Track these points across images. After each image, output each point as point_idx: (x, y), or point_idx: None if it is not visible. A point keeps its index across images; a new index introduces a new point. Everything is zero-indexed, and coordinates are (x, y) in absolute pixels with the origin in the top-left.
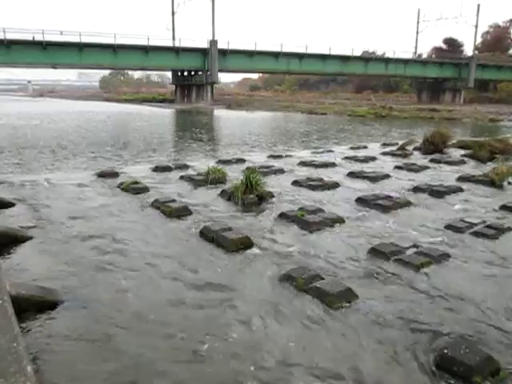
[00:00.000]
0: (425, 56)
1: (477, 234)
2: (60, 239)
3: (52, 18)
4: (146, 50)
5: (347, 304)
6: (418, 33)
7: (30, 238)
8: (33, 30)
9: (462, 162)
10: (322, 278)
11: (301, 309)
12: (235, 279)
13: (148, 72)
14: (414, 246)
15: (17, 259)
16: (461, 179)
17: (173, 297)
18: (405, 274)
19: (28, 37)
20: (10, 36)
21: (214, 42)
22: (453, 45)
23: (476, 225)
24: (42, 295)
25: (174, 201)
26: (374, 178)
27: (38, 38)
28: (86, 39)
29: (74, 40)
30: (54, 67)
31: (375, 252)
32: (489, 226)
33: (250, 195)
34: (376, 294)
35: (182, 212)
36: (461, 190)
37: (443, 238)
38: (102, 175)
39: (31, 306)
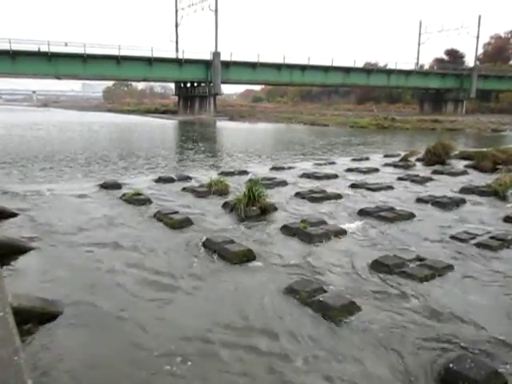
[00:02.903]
0: (427, 67)
1: (481, 246)
2: (62, 250)
3: (57, 29)
4: (149, 61)
5: (351, 317)
6: (419, 44)
7: (32, 248)
8: (38, 40)
9: (465, 173)
10: (325, 291)
11: (304, 324)
12: (238, 293)
13: (151, 83)
14: (418, 258)
15: (18, 270)
16: (464, 190)
17: (172, 309)
18: (408, 287)
19: (33, 48)
20: (16, 47)
21: (216, 54)
22: (454, 56)
23: (480, 236)
24: (43, 307)
25: (176, 212)
26: (377, 190)
27: (44, 48)
28: (90, 50)
29: (79, 51)
30: (59, 78)
31: (378, 264)
32: (493, 238)
33: (253, 207)
34: (379, 307)
35: (185, 224)
36: (464, 201)
37: (447, 250)
38: (105, 186)
39: (32, 318)
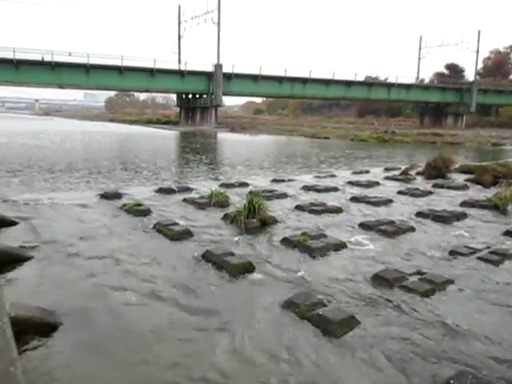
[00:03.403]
0: (427, 81)
1: (481, 260)
2: (61, 260)
3: (61, 39)
4: (151, 72)
5: (351, 332)
6: (419, 58)
7: (31, 257)
8: (42, 50)
9: (465, 187)
10: (325, 305)
11: (303, 338)
12: (236, 305)
13: (153, 94)
14: (418, 272)
15: (16, 279)
16: (464, 204)
17: (172, 321)
18: (408, 302)
19: (37, 57)
20: (20, 56)
21: (218, 66)
22: (454, 70)
23: (480, 250)
24: (41, 317)
25: (176, 224)
26: (377, 203)
27: (47, 58)
28: (93, 61)
29: (82, 61)
30: (62, 87)
31: (378, 278)
32: (493, 252)
33: (253, 219)
34: (379, 322)
35: (185, 235)
36: (464, 215)
37: (447, 264)
38: (105, 196)
39: (30, 328)
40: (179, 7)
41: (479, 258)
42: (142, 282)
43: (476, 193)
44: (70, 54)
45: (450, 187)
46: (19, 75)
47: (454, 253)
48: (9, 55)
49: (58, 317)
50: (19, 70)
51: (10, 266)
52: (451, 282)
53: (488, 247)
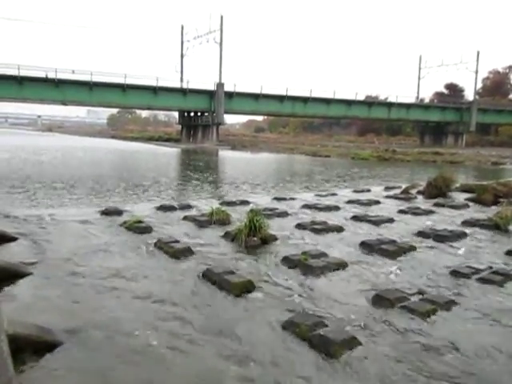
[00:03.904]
0: (427, 100)
1: (483, 281)
2: (61, 276)
3: (65, 56)
4: (154, 90)
5: (352, 353)
6: (419, 78)
7: (30, 273)
8: (45, 67)
9: (466, 206)
10: (326, 325)
11: (304, 359)
12: (236, 324)
13: (155, 111)
14: (420, 292)
15: (15, 295)
16: (465, 223)
17: (171, 340)
18: (410, 322)
19: (41, 74)
20: (24, 73)
21: (220, 85)
22: (454, 90)
23: (482, 270)
24: (40, 335)
25: (177, 241)
26: (378, 222)
27: (51, 75)
28: (96, 78)
29: (85, 78)
30: (64, 104)
31: (380, 298)
32: (495, 272)
33: (254, 238)
34: (381, 343)
35: (185, 253)
36: (465, 234)
37: (449, 284)
38: (106, 213)
39: (28, 347)
40: (182, 27)
41: (481, 279)
42: (141, 300)
43: (477, 212)
44: (73, 72)
45: (450, 206)
46: (23, 92)
47: (455, 273)
48: (13, 72)
49: (57, 335)
50: (23, 87)
51: (8, 281)
52: (453, 302)
53: (490, 267)
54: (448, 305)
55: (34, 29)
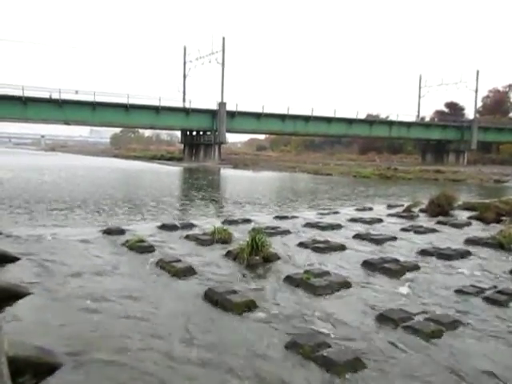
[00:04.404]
0: (427, 119)
1: (488, 300)
2: (61, 297)
3: (69, 76)
4: (157, 109)
5: (355, 375)
6: (420, 97)
7: (31, 294)
8: (49, 88)
9: (469, 224)
10: (329, 346)
11: (308, 380)
12: (239, 345)
13: (158, 131)
14: (424, 312)
15: (15, 316)
16: (468, 242)
17: (171, 363)
18: (415, 343)
19: (45, 94)
20: (28, 93)
21: (222, 104)
22: (454, 108)
23: (487, 290)
24: (40, 356)
25: (179, 261)
26: (381, 241)
27: (55, 96)
28: (99, 98)
29: (89, 99)
30: (67, 124)
31: (383, 318)
32: (500, 292)
33: (256, 257)
34: (385, 364)
35: (187, 272)
36: (469, 253)
37: (453, 304)
38: (108, 232)
39: (29, 369)
40: (185, 49)
41: (486, 298)
42: (142, 321)
43: (479, 230)
44: (76, 92)
45: (453, 225)
46: (27, 112)
47: (460, 292)
48: (18, 93)
49: (57, 357)
50: (27, 107)
51: (8, 302)
52: (458, 322)
53: (495, 286)
54: (453, 325)
55: (39, 50)
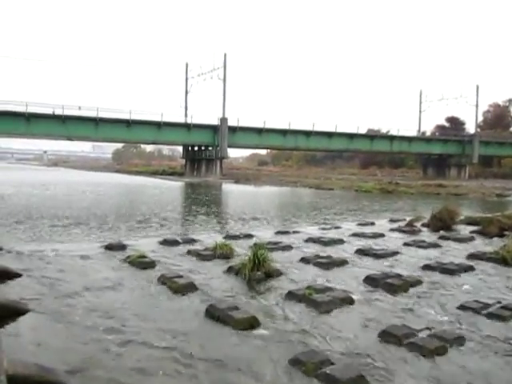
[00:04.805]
0: (428, 133)
1: (492, 316)
2: (63, 314)
3: (71, 92)
4: (159, 125)
5: None
6: (420, 112)
7: (32, 310)
8: (52, 104)
9: (472, 239)
10: (333, 363)
11: None
12: (242, 361)
13: (160, 146)
14: (428, 328)
15: (16, 333)
16: (471, 257)
17: (175, 377)
18: (419, 359)
19: (48, 111)
20: (32, 109)
21: (224, 120)
22: (455, 123)
23: (491, 305)
24: (41, 375)
25: (180, 276)
26: (383, 256)
27: (58, 112)
28: (102, 114)
29: (91, 114)
30: (70, 139)
31: (387, 335)
32: (504, 307)
33: (258, 272)
34: (390, 381)
35: (189, 288)
36: (472, 268)
37: (457, 320)
38: (110, 247)
39: None
40: (186, 65)
41: (490, 314)
42: (143, 337)
43: (482, 245)
44: (79, 108)
45: (456, 239)
46: (30, 128)
47: (463, 307)
48: (21, 109)
49: (59, 375)
50: (30, 123)
51: (9, 319)
52: (462, 338)
53: (499, 302)
54: (457, 341)
55: (42, 67)
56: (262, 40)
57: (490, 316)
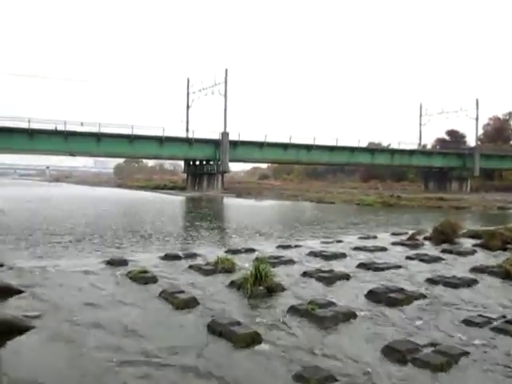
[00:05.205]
0: (429, 146)
1: (496, 330)
2: (64, 331)
3: (76, 108)
4: (160, 140)
5: None
6: (421, 125)
7: (33, 327)
8: (54, 120)
9: (474, 252)
10: (336, 380)
11: None
12: (244, 378)
13: (161, 160)
14: (431, 343)
15: (17, 352)
16: (474, 270)
17: None
18: (423, 376)
19: (51, 127)
20: (34, 126)
21: (225, 134)
22: (456, 136)
23: (495, 320)
24: None
25: (182, 291)
26: (386, 269)
27: (61, 127)
28: (104, 130)
29: (94, 130)
30: (73, 155)
31: (390, 350)
32: (509, 322)
33: (260, 287)
34: None
35: (190, 303)
36: (475, 281)
37: (461, 335)
38: (111, 263)
39: None
40: (188, 80)
41: (494, 328)
42: (145, 356)
43: (485, 258)
44: (82, 124)
45: (458, 253)
46: (33, 144)
47: (467, 322)
48: (24, 125)
49: None
50: (33, 139)
51: (11, 336)
52: (467, 353)
53: (503, 316)
54: (461, 356)
55: (47, 84)
56: (263, 54)
57: (495, 330)
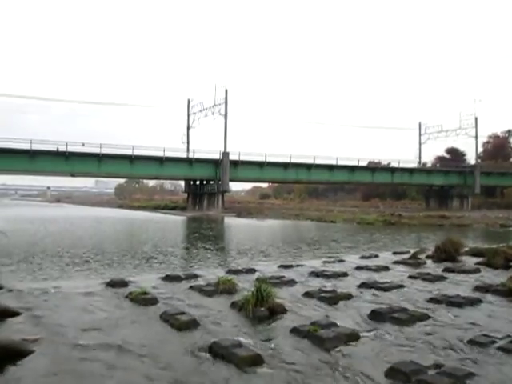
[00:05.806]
0: (429, 165)
1: (502, 350)
2: (64, 355)
3: (78, 129)
4: (161, 160)
5: None
6: (420, 144)
7: (33, 351)
8: (54, 141)
9: (477, 271)
10: None
11: None
12: None
13: (162, 180)
14: (436, 364)
15: (16, 377)
16: (478, 289)
17: None
18: None
19: (52, 148)
20: (36, 147)
21: (225, 154)
22: (456, 154)
23: (500, 339)
24: None
25: (183, 313)
26: (388, 289)
27: (62, 148)
28: (105, 150)
29: (95, 151)
30: (73, 175)
31: (395, 372)
32: None
33: (261, 308)
34: None
35: (191, 325)
36: (479, 300)
37: (466, 355)
38: (111, 284)
39: None
40: (188, 101)
41: (500, 348)
42: (146, 378)
43: (488, 277)
44: (83, 145)
45: (461, 271)
46: (34, 165)
47: (472, 342)
48: (25, 146)
49: None
50: (35, 160)
51: (9, 361)
52: (472, 374)
53: (508, 335)
54: (467, 378)
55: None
56: (263, 74)
57: (501, 350)
